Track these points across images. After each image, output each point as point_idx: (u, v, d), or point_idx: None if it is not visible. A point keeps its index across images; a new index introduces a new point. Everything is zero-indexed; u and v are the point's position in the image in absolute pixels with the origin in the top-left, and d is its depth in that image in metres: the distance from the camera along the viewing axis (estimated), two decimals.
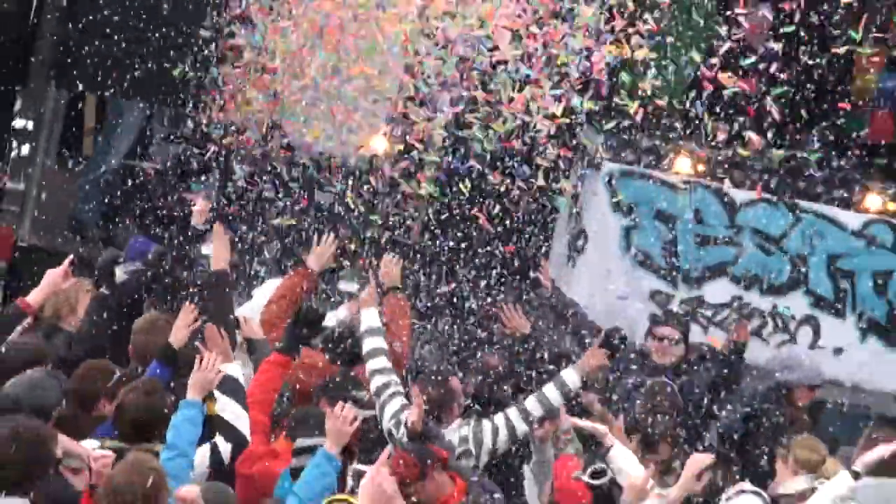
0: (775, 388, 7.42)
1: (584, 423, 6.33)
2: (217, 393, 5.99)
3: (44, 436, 5.20)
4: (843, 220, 8.11)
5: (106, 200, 9.83)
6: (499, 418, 6.61)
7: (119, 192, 9.85)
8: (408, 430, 6.30)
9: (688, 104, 7.72)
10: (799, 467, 6.26)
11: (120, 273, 7.39)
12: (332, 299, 8.63)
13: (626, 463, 5.99)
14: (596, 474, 6.15)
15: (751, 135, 7.60)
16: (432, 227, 8.78)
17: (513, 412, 6.61)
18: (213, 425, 5.88)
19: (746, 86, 7.48)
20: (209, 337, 6.63)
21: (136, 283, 7.41)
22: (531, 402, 6.50)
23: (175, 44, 9.21)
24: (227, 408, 6.12)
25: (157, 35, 9.12)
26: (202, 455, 5.93)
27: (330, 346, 7.40)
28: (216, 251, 7.30)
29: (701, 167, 7.82)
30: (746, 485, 6.31)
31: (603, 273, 8.50)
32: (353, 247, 8.57)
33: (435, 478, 5.81)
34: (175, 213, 9.16)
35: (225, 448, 5.96)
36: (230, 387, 6.24)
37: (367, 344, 7.14)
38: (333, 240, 7.66)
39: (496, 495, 6.19)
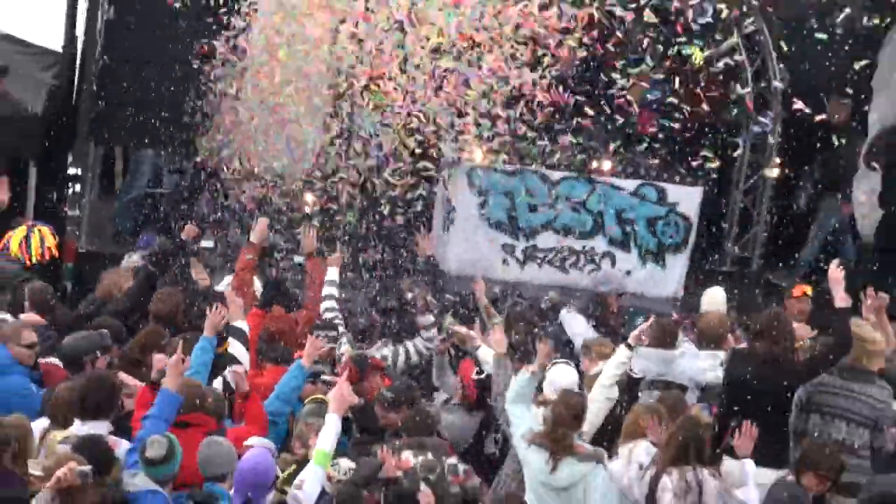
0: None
1: (458, 328, 8.98)
2: (230, 339, 8.23)
3: (111, 378, 7.37)
4: (623, 185, 10.96)
5: (134, 218, 12.47)
6: (409, 344, 9.11)
7: (142, 212, 12.49)
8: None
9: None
10: (597, 358, 8.48)
11: (136, 258, 9.93)
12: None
13: (484, 353, 8.43)
14: (478, 372, 9.05)
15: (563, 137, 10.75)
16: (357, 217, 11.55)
17: (418, 341, 9.12)
18: (226, 359, 7.99)
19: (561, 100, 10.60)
20: (229, 300, 8.73)
21: (149, 263, 9.40)
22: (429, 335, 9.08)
23: (176, 105, 11.63)
24: (235, 349, 8.21)
25: (163, 103, 11.61)
26: (218, 384, 7.87)
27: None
28: (232, 310, 8.59)
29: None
30: (560, 358, 8.47)
31: (469, 233, 11.27)
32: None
33: (370, 379, 8.21)
34: (175, 226, 11.29)
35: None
36: (239, 335, 8.34)
37: (325, 292, 9.40)
38: (265, 220, 9.78)
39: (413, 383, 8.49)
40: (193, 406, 7.50)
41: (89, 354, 7.84)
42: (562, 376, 8.34)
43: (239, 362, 8.06)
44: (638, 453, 7.77)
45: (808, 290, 9.30)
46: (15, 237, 10.24)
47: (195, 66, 11.65)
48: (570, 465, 7.76)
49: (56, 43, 12.53)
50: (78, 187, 13.01)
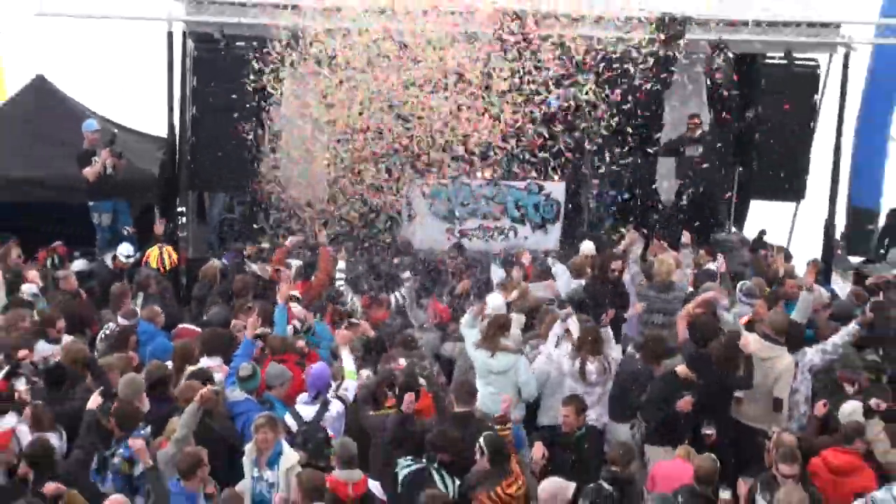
0: None
1: None
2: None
3: (226, 332, 10.96)
4: (518, 185, 15.54)
5: (219, 234, 17.04)
6: (396, 293, 13.45)
7: (222, 230, 17.11)
8: None
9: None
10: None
11: (218, 262, 14.15)
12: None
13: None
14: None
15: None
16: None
17: (403, 290, 13.46)
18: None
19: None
20: (280, 282, 12.33)
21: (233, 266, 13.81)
22: None
23: (238, 164, 15.71)
24: (295, 308, 11.78)
25: (230, 166, 15.75)
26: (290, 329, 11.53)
27: None
28: (283, 287, 12.10)
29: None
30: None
31: (424, 223, 15.83)
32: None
33: (375, 309, 12.86)
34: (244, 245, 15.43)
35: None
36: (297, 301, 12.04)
37: (337, 275, 13.44)
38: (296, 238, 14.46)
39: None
40: (283, 349, 11.28)
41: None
42: (494, 301, 12.38)
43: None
44: (551, 340, 11.57)
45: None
46: (152, 254, 14.43)
47: (250, 140, 15.50)
48: (504, 356, 11.13)
49: (162, 131, 16.74)
50: (183, 219, 16.93)
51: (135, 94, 18.74)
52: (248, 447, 9.61)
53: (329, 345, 12.16)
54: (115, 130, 16.41)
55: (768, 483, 9.57)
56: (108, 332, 12.27)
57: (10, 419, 10.28)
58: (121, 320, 12.05)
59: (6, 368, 10.75)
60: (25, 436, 10.01)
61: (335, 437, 10.20)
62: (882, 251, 18.38)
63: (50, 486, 9.03)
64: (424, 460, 9.65)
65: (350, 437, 10.02)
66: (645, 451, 10.66)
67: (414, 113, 15.29)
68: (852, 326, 11.99)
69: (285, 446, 9.59)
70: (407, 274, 14.55)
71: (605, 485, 9.62)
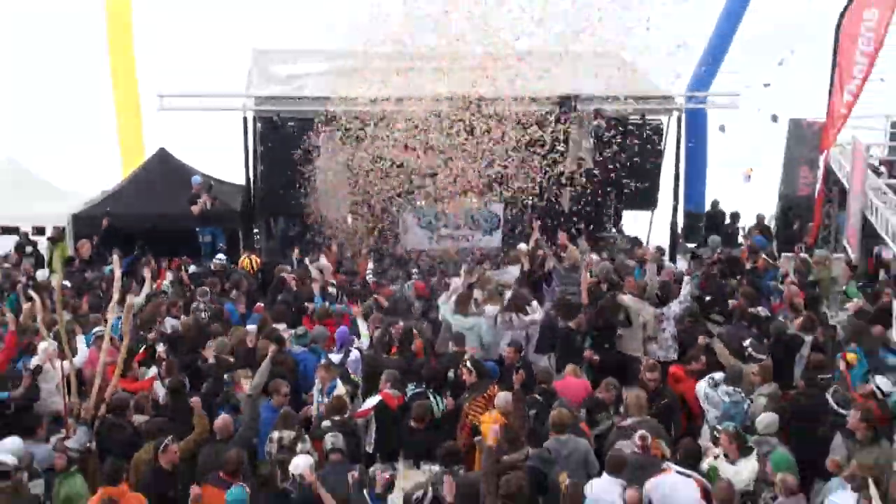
0: None
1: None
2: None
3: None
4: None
5: (282, 248, 19.10)
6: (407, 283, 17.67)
7: (284, 244, 19.20)
8: None
9: None
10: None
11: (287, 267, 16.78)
12: None
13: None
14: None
15: None
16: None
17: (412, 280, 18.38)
18: None
19: None
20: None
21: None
22: None
23: (291, 198, 17.91)
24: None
25: (287, 202, 17.99)
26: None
27: None
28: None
29: None
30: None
31: (412, 231, 18.41)
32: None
33: (383, 292, 16.97)
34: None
35: None
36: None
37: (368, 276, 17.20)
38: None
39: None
40: (326, 316, 13.32)
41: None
42: (455, 283, 14.03)
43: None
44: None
45: None
46: (244, 261, 16.92)
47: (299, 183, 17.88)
48: (470, 318, 12.98)
49: (240, 180, 19.41)
50: (258, 237, 19.67)
51: (225, 159, 20.90)
52: (317, 382, 11.20)
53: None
54: (212, 182, 19.31)
55: (642, 384, 11.19)
56: (202, 306, 14.26)
57: (153, 370, 12.17)
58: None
59: (147, 342, 12.51)
60: (159, 387, 11.70)
61: (355, 374, 11.80)
62: (705, 240, 20.32)
63: (194, 400, 10.48)
64: (423, 386, 11.23)
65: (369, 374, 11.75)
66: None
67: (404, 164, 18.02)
68: (691, 287, 13.70)
69: (338, 381, 11.19)
70: (414, 270, 17.32)
71: (537, 395, 10.95)
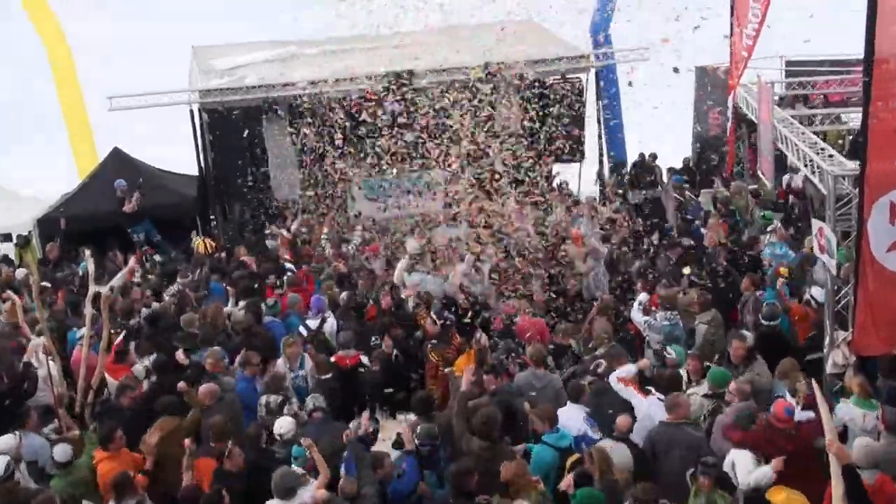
0: None
1: None
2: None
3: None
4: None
5: (242, 230, 19.18)
6: None
7: (241, 226, 19.32)
8: None
9: None
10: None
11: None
12: None
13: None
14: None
15: None
16: None
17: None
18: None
19: None
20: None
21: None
22: None
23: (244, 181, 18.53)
24: None
25: (239, 189, 18.25)
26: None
27: None
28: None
29: None
30: None
31: (359, 204, 18.78)
32: None
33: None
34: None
35: None
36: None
37: None
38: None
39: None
40: (296, 283, 13.79)
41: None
42: (411, 244, 15.11)
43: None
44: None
45: None
46: (198, 244, 17.23)
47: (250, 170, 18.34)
48: (417, 274, 13.81)
49: (193, 170, 19.20)
50: (214, 222, 19.24)
51: (173, 150, 20.75)
52: (281, 357, 11.27)
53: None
54: (141, 180, 18.78)
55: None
56: (179, 288, 14.47)
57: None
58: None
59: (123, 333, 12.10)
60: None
61: (331, 338, 12.23)
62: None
63: (182, 384, 10.42)
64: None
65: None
66: None
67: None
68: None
69: (305, 354, 11.49)
70: (357, 232, 17.53)
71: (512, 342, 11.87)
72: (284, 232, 17.16)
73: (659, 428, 9.01)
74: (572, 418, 9.36)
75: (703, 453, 8.49)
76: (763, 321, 11.30)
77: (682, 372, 10.39)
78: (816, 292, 11.91)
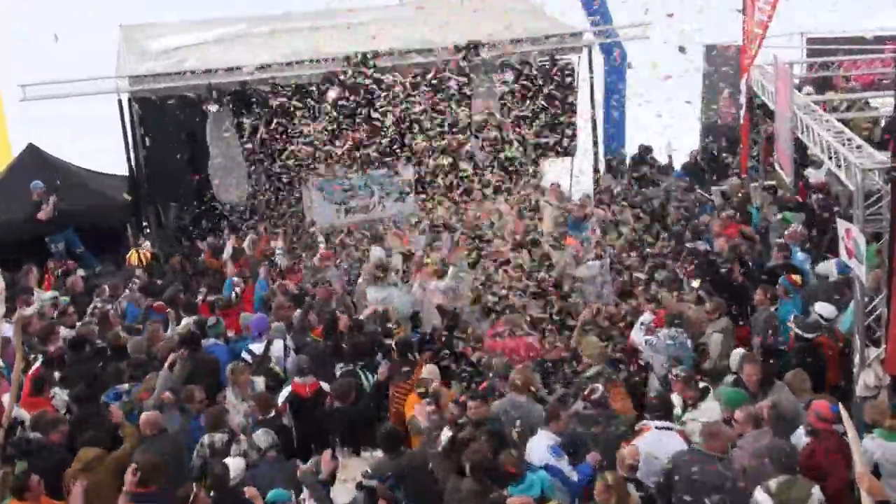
0: None
1: None
2: None
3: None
4: (379, 172, 18.43)
5: (175, 235, 19.41)
6: None
7: (178, 232, 19.43)
8: None
9: None
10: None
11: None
12: None
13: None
14: None
15: None
16: None
17: None
18: None
19: None
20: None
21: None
22: None
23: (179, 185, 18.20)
24: None
25: (177, 188, 18.05)
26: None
27: None
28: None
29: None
30: None
31: (317, 209, 18.64)
32: None
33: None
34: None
35: None
36: None
37: None
38: None
39: None
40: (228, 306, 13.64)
41: None
42: (375, 252, 15.61)
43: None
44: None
45: None
46: (131, 256, 17.19)
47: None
48: (383, 288, 13.53)
49: (123, 170, 18.71)
50: (147, 229, 19.00)
51: (97, 147, 20.41)
52: (232, 388, 11.09)
53: (262, 293, 14.58)
54: (58, 181, 18.21)
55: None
56: (97, 308, 14.42)
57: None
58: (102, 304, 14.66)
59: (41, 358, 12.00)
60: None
61: (278, 365, 11.94)
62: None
63: (114, 409, 10.43)
64: (351, 365, 11.61)
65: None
66: None
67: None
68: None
69: (255, 380, 11.38)
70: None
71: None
72: (230, 245, 16.73)
73: (682, 456, 8.62)
74: (534, 448, 9.29)
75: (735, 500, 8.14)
76: (802, 334, 11.14)
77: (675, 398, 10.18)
78: (822, 309, 11.63)
